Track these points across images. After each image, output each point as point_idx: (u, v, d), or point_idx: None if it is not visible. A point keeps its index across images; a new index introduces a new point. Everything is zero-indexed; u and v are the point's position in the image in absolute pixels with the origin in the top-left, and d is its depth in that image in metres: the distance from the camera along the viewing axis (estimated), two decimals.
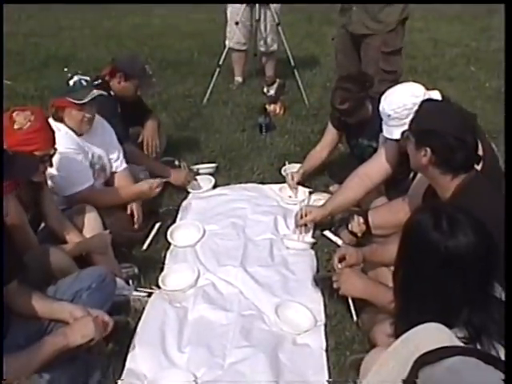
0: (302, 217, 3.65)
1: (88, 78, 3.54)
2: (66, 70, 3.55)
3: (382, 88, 3.41)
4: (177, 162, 4.67)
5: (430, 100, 2.86)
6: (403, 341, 1.47)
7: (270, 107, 5.80)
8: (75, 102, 3.41)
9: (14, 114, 2.84)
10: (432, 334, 1.46)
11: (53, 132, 2.99)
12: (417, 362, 1.35)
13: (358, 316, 2.85)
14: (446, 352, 1.33)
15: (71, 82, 3.43)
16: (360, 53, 4.74)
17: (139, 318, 3.03)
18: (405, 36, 4.78)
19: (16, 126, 2.81)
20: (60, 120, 3.44)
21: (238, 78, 6.77)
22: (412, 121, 2.65)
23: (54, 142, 2.97)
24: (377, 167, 3.50)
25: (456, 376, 1.27)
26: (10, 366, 2.11)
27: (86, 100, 3.42)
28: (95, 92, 3.47)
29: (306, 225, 3.68)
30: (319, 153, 4.36)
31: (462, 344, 1.54)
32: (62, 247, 3.00)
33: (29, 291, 2.48)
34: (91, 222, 3.33)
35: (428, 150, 2.49)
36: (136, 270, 3.35)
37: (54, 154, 2.99)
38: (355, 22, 4.65)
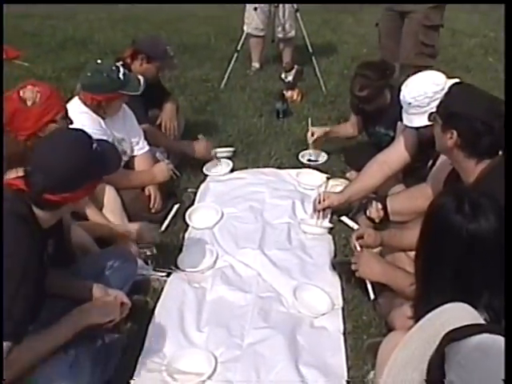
0: (320, 202, 3.67)
1: (123, 67, 3.55)
2: (99, 62, 3.51)
3: (419, 62, 3.42)
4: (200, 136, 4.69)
5: (459, 83, 2.86)
6: (429, 319, 1.48)
7: (288, 93, 5.81)
8: (132, 94, 3.48)
9: (21, 93, 2.80)
10: (458, 313, 1.47)
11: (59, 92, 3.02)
12: (444, 339, 1.36)
13: (376, 296, 2.85)
14: (472, 329, 1.34)
15: (121, 76, 3.43)
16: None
17: (158, 298, 3.07)
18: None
19: (29, 103, 2.79)
20: (102, 111, 3.47)
21: (256, 64, 6.77)
22: (440, 103, 2.65)
23: (63, 100, 3.00)
24: (396, 155, 3.52)
25: (483, 352, 1.29)
26: (32, 346, 2.13)
27: (141, 91, 3.50)
28: (141, 79, 3.54)
29: (324, 210, 3.69)
30: (346, 127, 4.47)
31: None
32: (86, 224, 3.03)
33: (52, 269, 2.51)
34: (111, 202, 3.37)
35: (454, 132, 2.49)
36: (155, 251, 3.37)
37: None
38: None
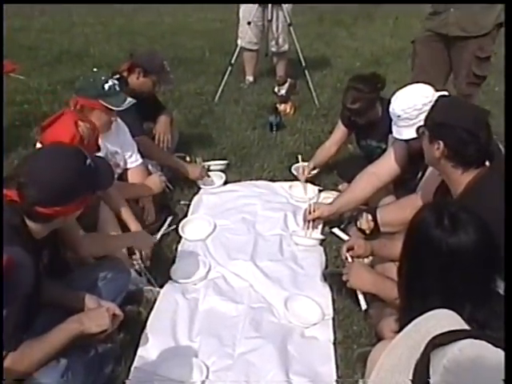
0: (310, 212, 3.71)
1: (117, 82, 3.52)
2: (95, 70, 3.56)
3: (469, 91, 3.34)
4: (188, 158, 4.72)
5: (445, 96, 2.91)
6: (415, 325, 1.52)
7: (281, 106, 5.87)
8: (111, 108, 3.46)
9: (81, 130, 2.90)
10: (443, 319, 1.51)
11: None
12: (429, 344, 1.40)
13: (368, 306, 2.89)
14: (457, 335, 1.38)
15: (106, 86, 3.40)
16: (450, 56, 4.54)
17: (151, 309, 3.10)
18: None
19: (86, 141, 2.91)
20: (85, 118, 3.48)
21: (250, 77, 6.83)
22: (427, 115, 2.70)
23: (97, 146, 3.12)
24: (386, 166, 3.56)
25: (468, 357, 1.32)
26: (26, 354, 2.16)
27: (122, 108, 3.48)
28: (129, 100, 3.52)
29: (313, 220, 3.73)
30: (328, 149, 4.45)
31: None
32: (96, 236, 3.06)
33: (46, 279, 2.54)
34: (105, 214, 3.39)
35: (441, 143, 2.53)
36: (148, 262, 3.40)
37: None
38: (452, 24, 4.37)
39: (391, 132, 3.40)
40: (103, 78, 3.46)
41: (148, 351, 2.80)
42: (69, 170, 2.22)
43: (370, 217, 3.43)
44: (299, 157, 4.62)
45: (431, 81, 3.42)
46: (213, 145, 5.17)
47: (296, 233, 3.81)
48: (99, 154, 3.22)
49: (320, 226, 3.82)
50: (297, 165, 4.60)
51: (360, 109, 3.92)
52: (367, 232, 3.45)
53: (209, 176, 4.50)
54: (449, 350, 1.36)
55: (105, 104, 3.42)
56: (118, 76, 3.80)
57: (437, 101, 2.73)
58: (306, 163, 4.50)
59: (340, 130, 4.37)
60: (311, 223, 3.76)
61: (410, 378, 1.44)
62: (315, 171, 4.46)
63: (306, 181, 4.39)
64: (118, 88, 3.48)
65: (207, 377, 2.64)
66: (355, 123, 4.11)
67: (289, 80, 6.10)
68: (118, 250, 3.14)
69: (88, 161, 2.29)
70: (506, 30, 3.32)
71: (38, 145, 3.06)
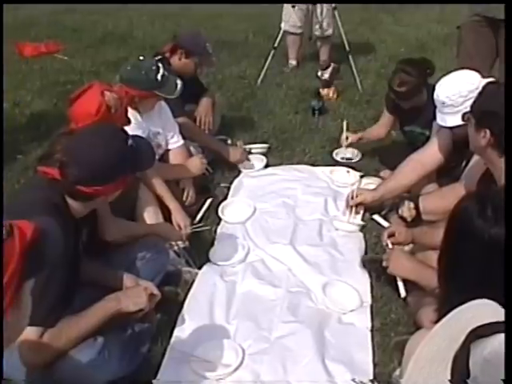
0: (352, 198, 3.67)
1: (161, 65, 3.52)
2: (141, 58, 3.52)
3: None
4: (229, 141, 4.71)
5: (493, 82, 2.83)
6: (455, 315, 1.48)
7: (324, 91, 5.79)
8: (166, 96, 3.52)
9: (107, 99, 2.84)
10: (484, 310, 1.46)
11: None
12: (470, 336, 1.35)
13: (407, 294, 2.84)
14: (498, 327, 1.34)
15: (159, 77, 3.42)
16: (496, 41, 4.35)
17: (189, 290, 3.11)
18: None
19: (113, 110, 2.85)
20: (134, 106, 3.49)
21: (293, 61, 6.76)
22: (474, 102, 2.63)
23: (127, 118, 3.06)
24: (430, 155, 3.50)
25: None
26: (64, 330, 2.18)
27: (176, 95, 3.52)
28: (180, 84, 3.55)
29: (356, 206, 3.69)
30: (377, 130, 4.45)
31: None
32: (123, 224, 3.02)
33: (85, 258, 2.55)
34: (145, 195, 3.39)
35: (487, 131, 2.47)
36: (187, 243, 3.41)
37: None
38: (496, 7, 4.14)
39: (435, 119, 3.33)
40: (153, 67, 3.45)
41: (184, 332, 2.81)
42: (110, 149, 2.23)
43: (412, 205, 3.37)
44: (344, 122, 4.55)
45: (476, 67, 3.33)
46: (254, 128, 5.15)
47: (336, 218, 3.77)
48: (141, 134, 3.24)
49: (361, 212, 3.77)
50: (337, 150, 4.57)
51: (406, 92, 3.84)
52: (409, 220, 3.40)
53: (249, 159, 4.48)
54: (489, 342, 1.32)
55: (160, 94, 3.48)
56: (160, 57, 3.81)
57: (484, 88, 2.65)
58: (346, 150, 4.49)
59: (386, 117, 4.34)
60: (353, 209, 3.72)
61: (449, 368, 1.40)
62: (355, 139, 4.46)
63: (348, 164, 4.36)
64: (167, 73, 3.50)
65: (243, 360, 2.63)
66: (399, 108, 4.04)
67: (332, 64, 6.04)
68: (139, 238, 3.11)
69: (129, 141, 2.30)
70: (506, 29, 3.22)
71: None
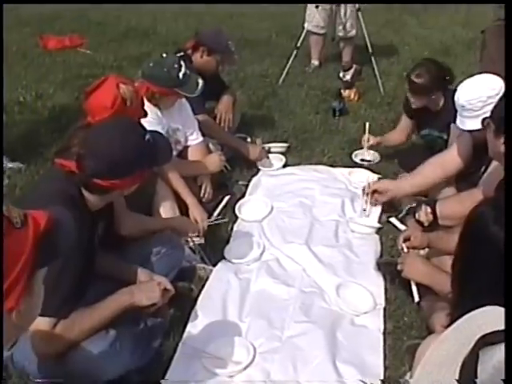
0: (369, 186, 3.72)
1: (184, 64, 3.53)
2: (164, 55, 3.53)
3: None
4: (249, 139, 4.71)
5: None
6: (466, 321, 1.47)
7: (345, 92, 5.78)
8: (187, 95, 3.54)
9: (122, 91, 2.83)
10: (495, 317, 1.45)
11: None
12: (479, 342, 1.35)
13: (420, 299, 2.83)
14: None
15: (181, 75, 3.43)
16: None
17: (203, 286, 3.12)
18: None
19: (128, 102, 2.84)
20: (154, 102, 3.51)
21: (315, 62, 6.75)
22: (494, 108, 2.61)
23: (144, 110, 3.04)
24: (451, 158, 3.48)
25: None
26: (77, 322, 2.20)
27: (197, 94, 3.55)
28: (201, 84, 3.56)
29: (373, 193, 3.74)
30: (398, 134, 4.45)
31: None
32: (139, 218, 3.03)
33: (102, 251, 2.57)
34: (162, 190, 3.41)
35: None
36: (202, 240, 3.42)
37: None
38: None
39: (454, 122, 3.32)
40: (175, 65, 3.46)
41: (197, 328, 2.82)
42: (127, 143, 2.24)
43: (429, 209, 3.34)
44: (366, 124, 4.53)
45: (499, 72, 3.30)
46: (274, 127, 5.16)
47: (353, 219, 3.76)
48: (160, 130, 3.25)
49: (377, 215, 3.78)
50: (356, 152, 4.56)
51: (423, 85, 3.83)
52: (425, 224, 3.37)
53: (268, 158, 4.48)
54: (498, 349, 1.31)
55: (181, 92, 3.50)
56: (181, 54, 3.83)
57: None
58: (365, 151, 4.49)
59: (405, 122, 4.35)
60: (369, 197, 3.76)
61: (457, 374, 1.39)
62: (375, 143, 4.45)
63: (367, 166, 4.37)
64: (188, 72, 3.51)
65: (254, 358, 2.63)
66: (416, 112, 4.04)
67: (354, 66, 6.03)
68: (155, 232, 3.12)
69: (147, 136, 2.31)
70: (506, 29, 3.20)
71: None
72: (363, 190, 3.81)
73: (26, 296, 1.17)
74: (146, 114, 3.02)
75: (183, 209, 3.44)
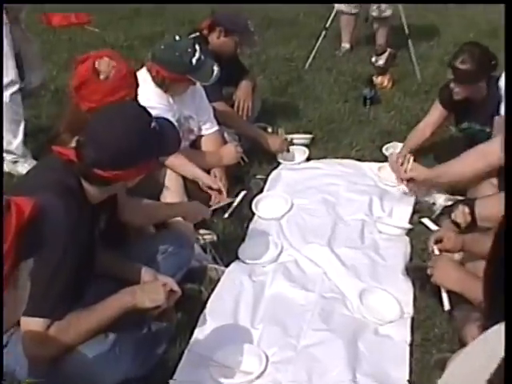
0: (403, 166, 3.71)
1: (199, 48, 3.53)
2: (177, 38, 3.54)
3: None
4: (270, 129, 4.72)
5: None
6: (495, 331, 1.47)
7: (378, 79, 5.76)
8: (201, 82, 3.59)
9: (97, 64, 2.77)
10: None
11: (135, 73, 2.95)
12: None
13: (451, 307, 2.81)
14: None
15: (194, 61, 3.45)
16: None
17: (213, 289, 3.14)
18: None
19: (102, 76, 2.75)
20: (164, 88, 3.54)
21: (346, 44, 6.73)
22: None
23: (137, 83, 2.92)
24: (495, 149, 3.43)
25: None
26: (73, 324, 2.21)
27: (211, 82, 3.58)
28: (216, 70, 3.58)
29: (408, 181, 3.74)
30: (422, 131, 4.32)
31: None
32: (143, 202, 3.04)
33: (102, 247, 2.60)
34: (172, 182, 3.45)
35: None
36: (215, 238, 3.44)
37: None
38: None
39: (498, 113, 3.29)
40: (189, 49, 3.48)
41: (205, 334, 2.84)
42: (132, 131, 2.25)
43: (466, 209, 3.30)
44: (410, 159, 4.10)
45: None
46: (298, 116, 5.16)
47: (381, 219, 3.76)
48: (171, 118, 3.26)
49: (408, 215, 3.76)
50: (387, 145, 4.54)
51: (467, 72, 3.76)
52: (462, 226, 3.35)
53: (289, 150, 4.48)
54: None
55: (193, 79, 3.52)
56: (197, 34, 3.84)
57: None
58: (398, 144, 4.44)
59: (437, 110, 4.23)
60: (405, 182, 3.78)
61: None
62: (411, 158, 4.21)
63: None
64: (203, 57, 3.51)
65: (265, 368, 2.65)
66: (455, 100, 3.98)
67: (389, 49, 5.98)
68: (165, 220, 3.18)
69: (153, 123, 2.31)
70: (505, 29, 3.20)
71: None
72: (395, 168, 3.82)
73: (9, 288, 1.18)
74: (135, 96, 2.96)
75: None
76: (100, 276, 2.51)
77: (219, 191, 3.58)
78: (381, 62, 5.86)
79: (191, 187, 3.60)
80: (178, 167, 3.49)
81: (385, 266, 3.37)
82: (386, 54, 5.89)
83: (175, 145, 2.52)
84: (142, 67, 3.65)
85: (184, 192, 3.44)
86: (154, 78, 3.52)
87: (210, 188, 3.60)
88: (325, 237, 3.58)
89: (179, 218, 3.21)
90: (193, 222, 3.24)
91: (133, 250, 2.82)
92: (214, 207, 3.51)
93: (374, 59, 5.89)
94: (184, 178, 3.56)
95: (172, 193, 3.38)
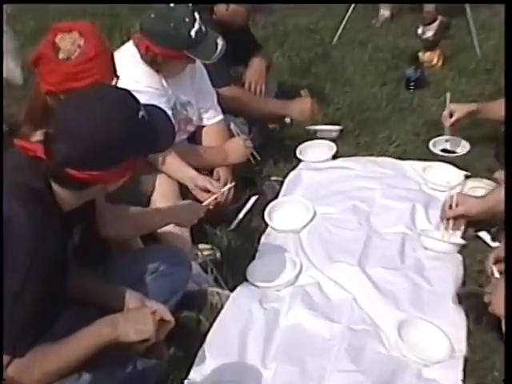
0: (451, 207, 3.67)
1: (199, 17, 3.50)
2: (172, 5, 3.49)
3: None
4: (288, 120, 4.75)
5: None
6: None
7: (425, 55, 5.78)
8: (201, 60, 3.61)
9: (57, 39, 2.73)
10: None
11: (112, 56, 2.88)
12: None
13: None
14: None
15: (193, 33, 3.42)
16: None
17: (215, 318, 3.17)
18: None
19: (62, 55, 2.70)
20: (155, 67, 3.55)
21: (385, 12, 6.76)
22: None
23: (115, 70, 2.87)
24: None
25: None
26: (38, 362, 2.18)
27: (214, 60, 3.57)
28: (221, 45, 3.56)
29: (455, 218, 3.70)
30: (500, 106, 4.25)
31: None
32: (127, 210, 3.02)
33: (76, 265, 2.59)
34: (163, 185, 3.47)
35: None
36: (218, 255, 3.48)
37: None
38: None
39: None
40: (186, 19, 3.44)
41: (204, 375, 2.87)
42: (113, 121, 2.19)
43: None
44: (448, 95, 4.51)
45: None
46: (324, 102, 5.18)
47: (426, 233, 3.77)
48: (163, 104, 3.29)
49: (462, 228, 3.78)
50: (435, 140, 4.56)
51: None
52: None
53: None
54: None
55: (192, 57, 3.52)
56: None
57: None
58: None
59: None
60: (451, 222, 3.73)
61: None
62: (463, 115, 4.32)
63: (449, 157, 4.38)
64: (204, 29, 3.50)
65: None
66: None
67: (439, 18, 5.98)
68: (154, 229, 3.19)
69: (141, 112, 2.29)
70: (505, 30, 3.27)
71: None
72: (442, 211, 3.78)
73: None
74: (114, 76, 2.90)
75: None
76: (74, 301, 2.51)
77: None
78: (429, 33, 5.88)
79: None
80: (167, 167, 3.51)
81: (431, 292, 3.37)
82: (437, 24, 5.91)
83: (168, 139, 2.49)
84: (128, 40, 3.68)
85: (179, 197, 3.46)
86: (142, 55, 3.52)
87: (207, 191, 3.56)
88: (355, 254, 3.60)
89: (172, 227, 3.23)
90: (189, 225, 3.25)
91: (115, 269, 2.82)
92: (206, 202, 3.36)
93: (420, 30, 5.91)
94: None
95: (164, 199, 3.39)
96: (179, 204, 3.35)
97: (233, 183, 3.68)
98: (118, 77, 2.87)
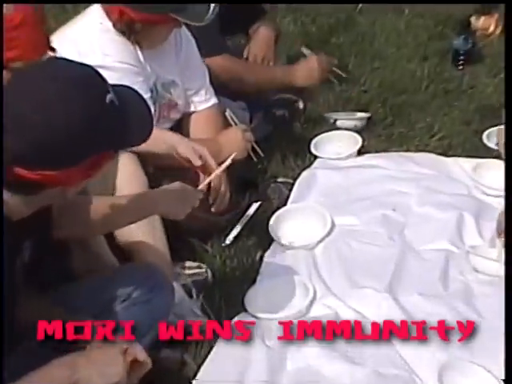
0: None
1: None
2: None
3: None
4: (301, 104, 4.76)
5: None
6: None
7: (478, 21, 5.78)
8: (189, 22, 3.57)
9: None
10: None
11: (43, 30, 2.85)
12: None
13: None
14: None
15: None
16: None
17: (204, 359, 3.16)
18: None
19: None
20: (132, 38, 3.53)
21: None
22: None
23: (45, 47, 2.82)
24: None
25: None
26: None
27: (206, 22, 3.52)
28: (213, 5, 3.52)
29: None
30: None
31: None
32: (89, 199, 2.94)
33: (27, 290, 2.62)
34: (128, 167, 3.45)
35: None
36: (209, 276, 3.48)
37: None
38: None
39: None
40: None
41: None
42: (74, 108, 2.20)
43: None
44: None
45: None
46: (348, 82, 5.23)
47: (477, 251, 3.76)
48: (140, 85, 3.30)
49: None
50: (488, 131, 4.55)
51: None
52: None
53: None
54: None
55: (178, 19, 3.48)
56: None
57: None
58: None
59: None
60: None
61: None
62: None
63: None
64: None
65: None
66: None
67: None
68: (128, 223, 3.08)
69: (109, 95, 2.28)
70: (505, 30, 3.34)
71: None
72: (498, 225, 3.74)
73: None
74: (43, 51, 2.89)
75: None
76: (24, 335, 2.52)
77: (203, 168, 3.43)
78: None
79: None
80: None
81: (481, 327, 3.35)
82: None
83: (145, 129, 2.49)
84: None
85: (147, 185, 3.43)
86: (115, 24, 3.49)
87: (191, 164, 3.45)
88: (385, 278, 3.60)
89: (142, 233, 3.26)
90: (181, 216, 3.16)
91: (77, 294, 2.83)
92: (202, 186, 3.25)
93: None
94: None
95: (133, 183, 3.38)
96: (165, 188, 3.19)
97: (230, 159, 3.44)
98: (53, 50, 2.84)
